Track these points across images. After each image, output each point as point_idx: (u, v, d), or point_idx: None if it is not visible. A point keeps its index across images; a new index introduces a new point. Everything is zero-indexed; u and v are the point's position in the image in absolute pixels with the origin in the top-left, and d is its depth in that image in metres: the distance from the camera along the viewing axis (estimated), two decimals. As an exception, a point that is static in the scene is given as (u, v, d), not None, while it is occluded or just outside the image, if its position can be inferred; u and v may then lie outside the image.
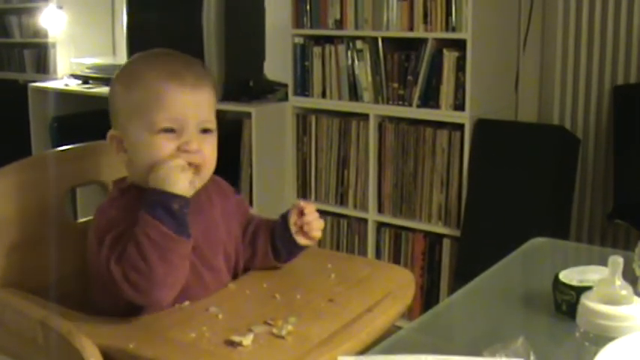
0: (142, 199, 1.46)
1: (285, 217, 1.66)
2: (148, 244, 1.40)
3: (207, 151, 1.53)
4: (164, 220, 1.41)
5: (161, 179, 1.44)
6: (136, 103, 1.52)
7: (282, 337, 1.34)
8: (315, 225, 1.63)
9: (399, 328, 1.39)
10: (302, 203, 1.64)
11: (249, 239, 1.69)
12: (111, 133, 1.57)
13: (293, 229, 1.64)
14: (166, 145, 1.49)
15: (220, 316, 1.43)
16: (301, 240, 1.64)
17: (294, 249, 1.66)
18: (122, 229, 1.46)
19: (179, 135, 1.50)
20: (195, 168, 1.49)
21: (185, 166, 1.47)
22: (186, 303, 1.48)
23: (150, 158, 1.50)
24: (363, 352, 1.33)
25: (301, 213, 1.63)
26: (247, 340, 1.31)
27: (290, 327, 1.36)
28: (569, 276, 1.38)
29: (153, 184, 1.45)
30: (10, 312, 1.49)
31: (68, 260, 1.70)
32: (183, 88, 1.50)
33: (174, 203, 1.42)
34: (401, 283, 1.60)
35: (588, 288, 1.27)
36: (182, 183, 1.44)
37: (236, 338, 1.31)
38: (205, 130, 1.54)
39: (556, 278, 1.39)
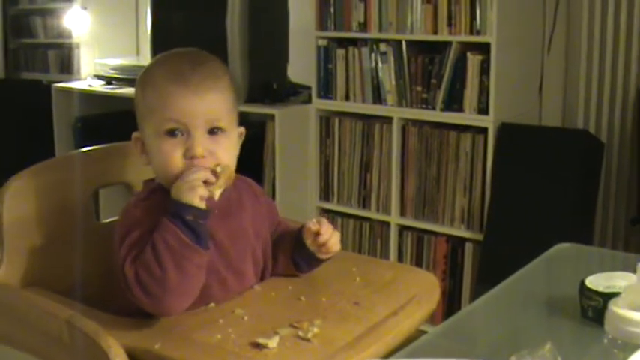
0: (166, 203, 1.47)
1: (301, 235, 1.64)
2: (164, 249, 1.40)
3: (220, 153, 1.52)
4: (181, 228, 1.41)
5: (177, 191, 1.44)
6: (147, 105, 1.53)
7: (308, 340, 1.34)
8: (333, 241, 1.61)
9: (423, 332, 1.38)
10: (312, 227, 1.61)
11: (272, 247, 1.69)
12: (135, 134, 1.58)
13: (311, 248, 1.62)
14: (173, 151, 1.49)
15: (246, 318, 1.43)
16: (322, 255, 1.63)
17: (315, 263, 1.65)
18: (142, 231, 1.46)
19: (186, 138, 1.50)
20: (216, 177, 1.47)
21: (200, 181, 1.45)
22: (212, 304, 1.49)
23: (159, 162, 1.52)
24: (388, 355, 1.33)
25: (316, 234, 1.61)
26: (273, 343, 1.31)
27: (315, 329, 1.37)
28: (596, 282, 1.38)
29: (172, 193, 1.45)
30: (36, 311, 1.49)
31: (92, 261, 1.71)
32: (185, 91, 1.49)
33: (189, 215, 1.42)
34: (426, 287, 1.60)
35: (615, 294, 1.27)
36: (194, 198, 1.43)
37: (262, 340, 1.32)
38: (215, 131, 1.52)
39: (582, 284, 1.38)
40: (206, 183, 1.45)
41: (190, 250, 1.41)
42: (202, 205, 1.43)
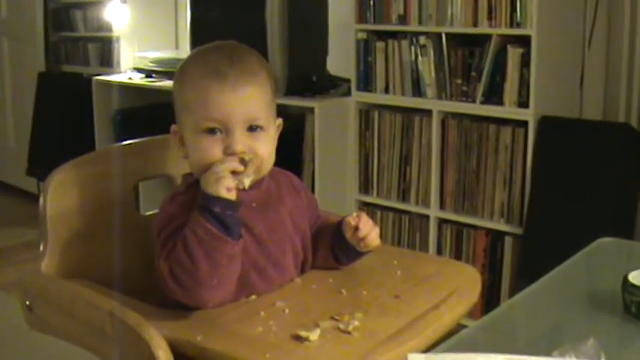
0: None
1: (341, 228, 1.63)
2: (194, 241, 1.40)
3: (260, 150, 1.52)
4: (208, 219, 1.41)
5: (204, 183, 1.45)
6: (185, 100, 1.54)
7: (349, 333, 1.34)
8: (372, 236, 1.60)
9: (463, 326, 1.38)
10: (352, 221, 1.60)
11: (312, 240, 1.69)
12: (173, 127, 1.60)
13: (351, 241, 1.61)
14: (212, 148, 1.50)
15: (287, 311, 1.44)
16: (361, 249, 1.63)
17: (354, 255, 1.65)
18: (177, 225, 1.47)
19: (225, 135, 1.50)
20: (245, 165, 1.47)
21: (227, 171, 1.44)
22: (253, 297, 1.49)
23: (198, 158, 1.52)
24: (429, 349, 1.33)
25: (355, 228, 1.60)
26: (314, 335, 1.32)
27: (356, 322, 1.37)
28: (639, 277, 1.37)
29: (201, 185, 1.46)
30: (79, 302, 1.51)
31: (134, 253, 1.73)
32: (223, 88, 1.49)
33: (216, 206, 1.41)
34: (467, 281, 1.60)
35: (660, 290, 1.26)
36: (220, 189, 1.42)
37: (303, 333, 1.32)
38: (254, 127, 1.53)
39: (625, 279, 1.38)
40: (235, 173, 1.46)
41: (220, 241, 1.41)
42: (230, 196, 1.43)
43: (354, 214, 1.62)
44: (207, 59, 1.55)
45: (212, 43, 1.62)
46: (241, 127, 1.51)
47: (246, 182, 1.46)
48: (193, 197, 1.49)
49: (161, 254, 1.46)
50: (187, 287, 1.42)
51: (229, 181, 1.43)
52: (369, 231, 1.60)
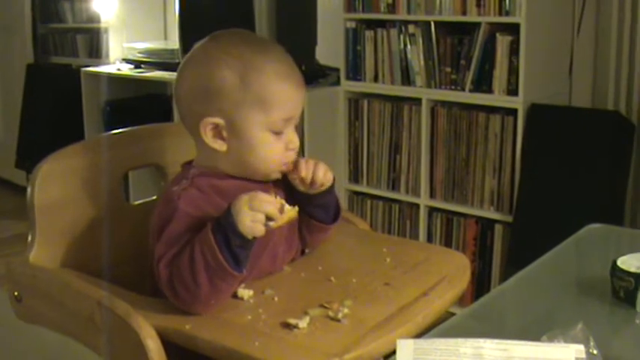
0: (210, 194, 1.47)
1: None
2: (201, 264, 1.37)
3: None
4: (222, 249, 1.36)
5: (239, 212, 1.37)
6: (254, 96, 1.49)
7: (339, 320, 1.34)
8: (319, 175, 1.57)
9: (452, 314, 1.38)
10: (290, 175, 1.58)
11: None
12: (212, 119, 1.50)
13: (304, 191, 1.59)
14: (276, 143, 1.52)
15: (276, 299, 1.44)
16: (316, 191, 1.59)
17: (319, 200, 1.62)
18: (181, 227, 1.43)
19: (285, 133, 1.53)
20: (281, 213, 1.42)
21: (265, 215, 1.38)
22: (242, 285, 1.48)
23: (259, 155, 1.52)
24: (419, 336, 1.32)
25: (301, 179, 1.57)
26: (303, 323, 1.32)
27: (346, 310, 1.36)
28: (628, 262, 1.37)
29: (233, 209, 1.38)
30: (69, 292, 1.51)
31: (123, 242, 1.72)
32: (296, 89, 1.53)
33: (235, 240, 1.37)
34: (456, 268, 1.59)
35: (648, 274, 1.26)
36: (249, 234, 1.37)
37: (292, 321, 1.32)
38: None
39: (614, 265, 1.38)
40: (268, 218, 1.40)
41: (226, 272, 1.37)
42: (248, 234, 1.37)
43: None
44: (275, 57, 1.54)
45: (241, 32, 1.60)
46: (294, 125, 1.56)
47: (272, 225, 1.42)
48: (200, 193, 1.48)
49: (162, 258, 1.41)
50: (184, 301, 1.39)
51: (261, 231, 1.38)
52: (311, 171, 1.57)
